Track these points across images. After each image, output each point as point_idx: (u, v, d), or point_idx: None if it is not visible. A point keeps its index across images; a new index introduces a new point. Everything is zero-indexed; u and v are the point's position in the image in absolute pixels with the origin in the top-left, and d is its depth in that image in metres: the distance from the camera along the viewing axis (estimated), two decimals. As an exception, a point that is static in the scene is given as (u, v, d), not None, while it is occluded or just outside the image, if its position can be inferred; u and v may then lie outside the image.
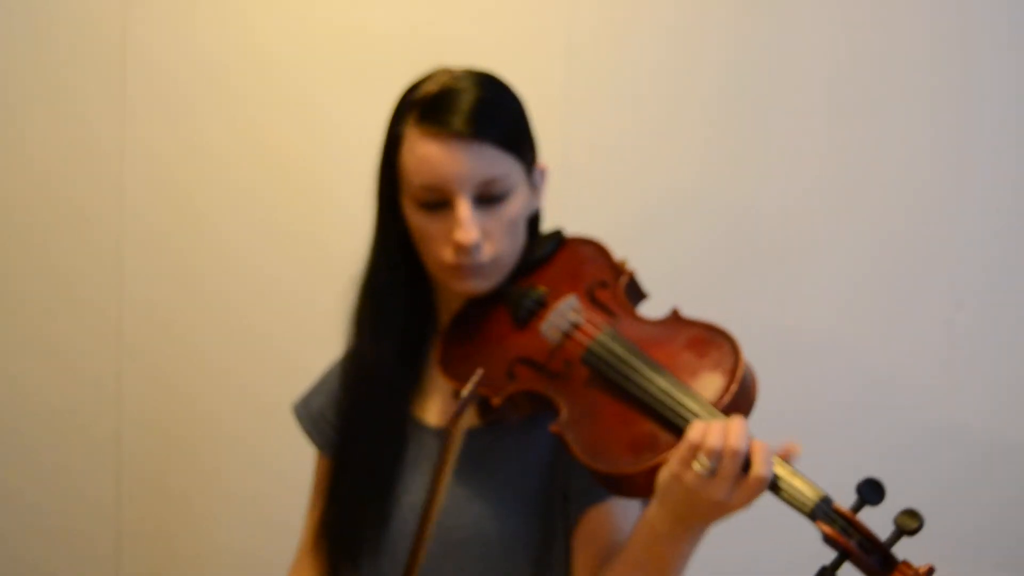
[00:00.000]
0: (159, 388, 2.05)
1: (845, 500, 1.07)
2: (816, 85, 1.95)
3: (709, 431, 1.07)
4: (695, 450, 1.07)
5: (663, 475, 1.10)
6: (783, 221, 1.94)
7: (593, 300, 1.32)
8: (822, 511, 1.05)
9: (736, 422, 1.08)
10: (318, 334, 2.03)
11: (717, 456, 1.06)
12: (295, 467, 1.99)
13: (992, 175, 1.93)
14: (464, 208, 1.26)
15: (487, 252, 1.29)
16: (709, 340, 1.20)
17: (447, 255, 1.29)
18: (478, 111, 1.27)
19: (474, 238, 1.26)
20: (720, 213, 1.92)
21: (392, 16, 2.01)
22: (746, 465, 1.07)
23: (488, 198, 1.28)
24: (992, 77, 1.95)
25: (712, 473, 1.06)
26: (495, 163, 1.27)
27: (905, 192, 1.95)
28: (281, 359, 2.04)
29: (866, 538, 1.05)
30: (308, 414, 1.48)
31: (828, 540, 1.05)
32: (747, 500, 1.08)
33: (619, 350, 1.21)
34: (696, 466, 1.07)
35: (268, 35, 2.01)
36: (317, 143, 2.02)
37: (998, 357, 1.93)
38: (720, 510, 1.09)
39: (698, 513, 1.10)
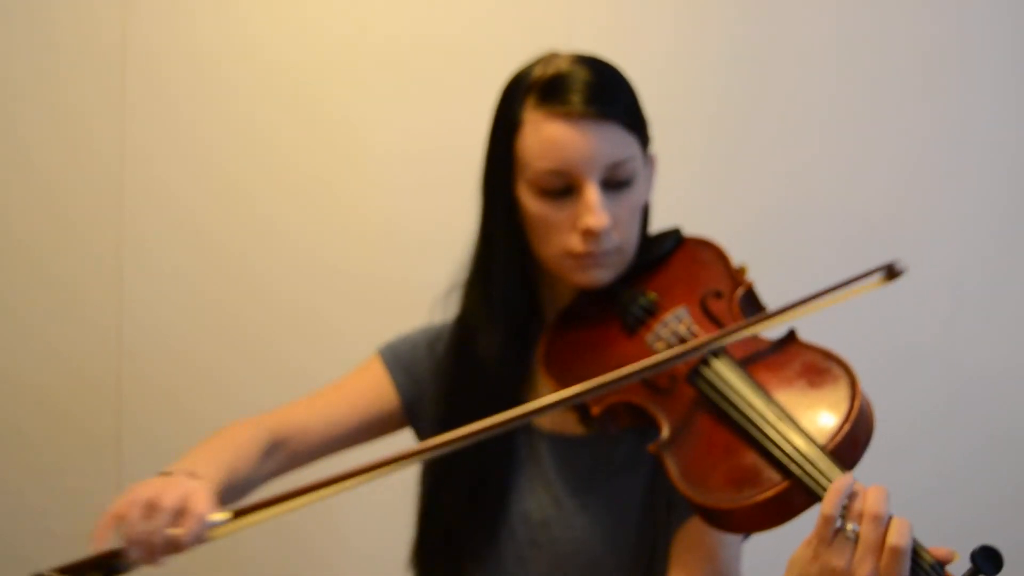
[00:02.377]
0: (158, 390, 2.04)
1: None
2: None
3: (850, 495, 0.99)
4: (834, 520, 0.99)
5: (796, 554, 1.02)
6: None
7: (706, 311, 1.25)
8: None
9: (875, 487, 0.99)
10: (316, 337, 2.04)
11: (858, 518, 0.98)
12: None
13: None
14: (593, 192, 1.21)
15: (615, 238, 1.24)
16: (825, 370, 1.13)
17: (572, 243, 1.23)
18: (603, 90, 1.23)
19: (606, 223, 1.21)
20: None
21: (393, 17, 2.01)
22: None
23: (615, 183, 1.23)
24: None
25: (856, 537, 0.98)
26: (621, 145, 1.23)
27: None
28: (279, 362, 2.04)
29: None
30: (396, 356, 1.38)
31: None
32: None
33: (728, 374, 1.14)
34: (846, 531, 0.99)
35: (268, 36, 2.01)
36: (318, 144, 2.02)
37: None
38: None
39: None
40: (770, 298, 1.32)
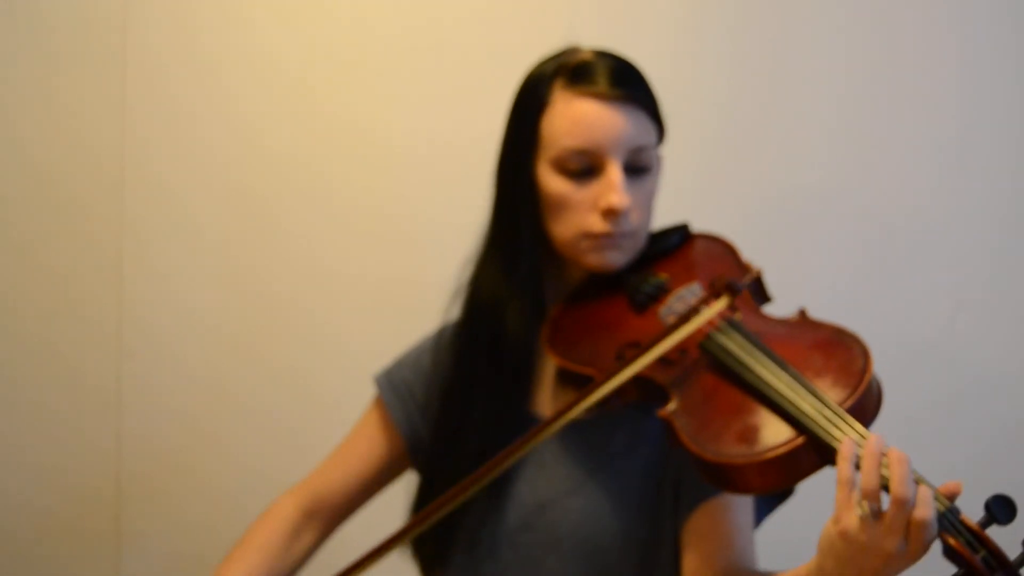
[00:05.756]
0: (158, 390, 2.04)
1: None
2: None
3: (862, 464, 0.97)
4: (852, 481, 0.97)
5: (824, 535, 1.00)
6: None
7: (716, 292, 1.25)
8: (948, 522, 0.98)
9: (895, 462, 0.97)
10: (317, 338, 2.04)
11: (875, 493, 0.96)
12: (290, 470, 1.99)
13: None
14: (617, 172, 1.24)
15: (633, 220, 1.26)
16: (838, 342, 1.14)
17: (592, 223, 1.25)
18: (628, 77, 1.27)
19: (627, 202, 1.24)
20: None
21: (393, 17, 2.01)
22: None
23: (635, 168, 1.27)
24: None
25: (875, 515, 0.96)
26: (645, 130, 1.27)
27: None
28: (280, 362, 2.04)
29: (993, 555, 0.97)
30: (391, 385, 1.41)
31: (950, 554, 0.98)
32: (920, 548, 0.96)
33: (740, 339, 1.16)
34: (858, 511, 0.97)
35: (269, 35, 2.01)
36: (318, 143, 2.01)
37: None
38: (892, 565, 0.97)
39: (867, 572, 0.98)
40: (777, 292, 1.32)
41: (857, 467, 0.99)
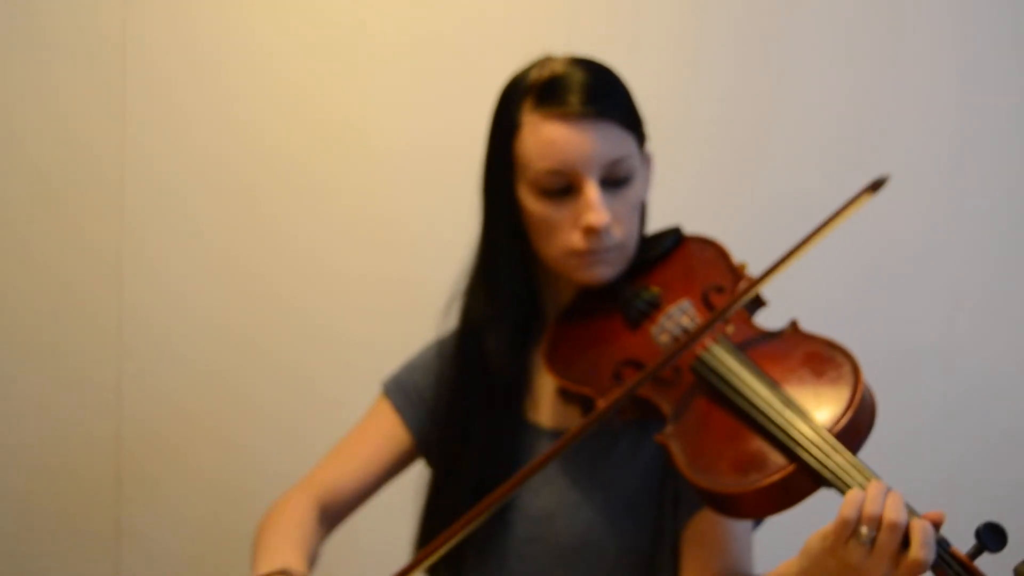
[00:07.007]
0: (158, 390, 2.04)
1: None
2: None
3: (867, 499, 0.99)
4: (852, 524, 0.98)
5: (812, 544, 1.02)
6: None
7: (708, 305, 1.27)
8: (938, 555, 0.98)
9: (893, 494, 0.99)
10: (318, 338, 2.04)
11: (875, 525, 0.98)
12: (291, 469, 1.99)
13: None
14: (593, 190, 1.23)
15: (616, 235, 1.26)
16: (828, 358, 1.14)
17: (574, 241, 1.25)
18: (598, 90, 1.25)
19: (606, 220, 1.23)
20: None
21: (393, 17, 2.01)
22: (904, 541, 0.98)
23: (614, 180, 1.26)
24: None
25: (871, 542, 0.98)
26: (619, 143, 1.25)
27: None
28: (280, 362, 2.04)
29: None
30: (401, 389, 1.41)
31: None
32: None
33: (731, 362, 1.16)
34: (860, 535, 0.98)
35: (269, 36, 2.01)
36: (319, 144, 2.01)
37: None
38: None
39: None
40: (771, 295, 1.33)
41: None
